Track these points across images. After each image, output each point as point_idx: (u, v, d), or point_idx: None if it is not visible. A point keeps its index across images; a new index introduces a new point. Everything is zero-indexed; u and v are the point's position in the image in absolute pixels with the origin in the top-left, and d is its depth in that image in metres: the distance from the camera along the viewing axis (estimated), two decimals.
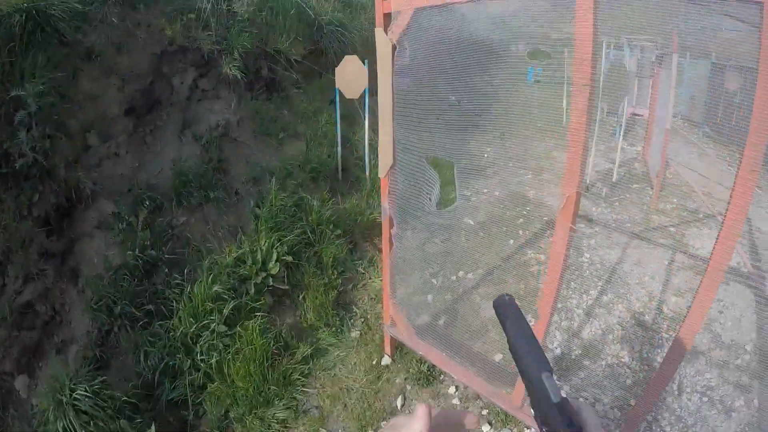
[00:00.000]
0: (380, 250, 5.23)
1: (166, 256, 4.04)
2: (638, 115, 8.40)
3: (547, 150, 7.93)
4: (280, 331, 4.00)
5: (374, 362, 3.99)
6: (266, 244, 4.31)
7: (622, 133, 7.48)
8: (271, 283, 4.18)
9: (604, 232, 6.07)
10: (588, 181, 7.14)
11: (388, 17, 2.80)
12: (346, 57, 5.34)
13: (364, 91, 5.42)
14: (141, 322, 3.68)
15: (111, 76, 4.34)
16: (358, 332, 4.29)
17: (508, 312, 0.71)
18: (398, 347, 4.02)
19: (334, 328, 4.27)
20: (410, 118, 3.04)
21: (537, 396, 0.62)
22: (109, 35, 4.30)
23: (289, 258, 4.36)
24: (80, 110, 4.10)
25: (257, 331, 3.79)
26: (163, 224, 4.19)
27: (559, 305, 4.68)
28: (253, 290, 4.04)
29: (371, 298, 4.66)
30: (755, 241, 6.07)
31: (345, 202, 5.41)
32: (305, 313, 4.30)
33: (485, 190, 7.10)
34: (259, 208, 4.72)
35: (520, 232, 6.22)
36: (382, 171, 3.16)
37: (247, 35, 5.22)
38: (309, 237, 4.71)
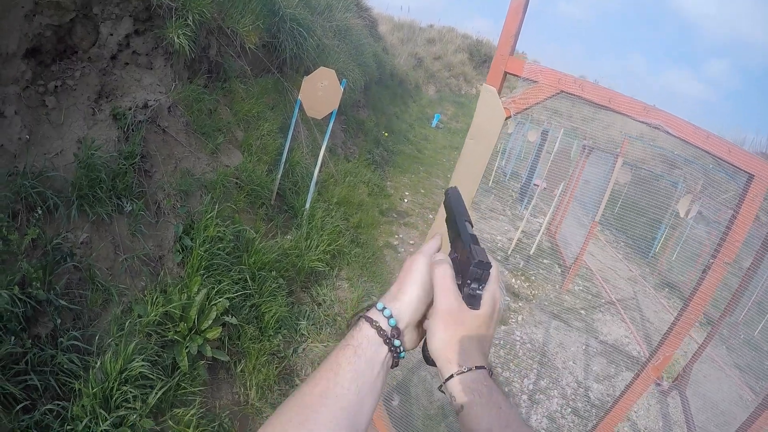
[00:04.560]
0: (318, 304, 4.35)
1: (60, 299, 2.65)
2: (536, 185, 8.76)
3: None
4: (221, 422, 2.88)
5: None
6: (201, 295, 3.16)
7: (531, 205, 7.65)
8: (209, 354, 3.04)
9: (527, 307, 6.03)
10: (509, 252, 7.07)
11: (505, 77, 2.20)
12: (322, 68, 4.34)
13: (332, 113, 4.51)
14: (21, 405, 2.27)
15: None
16: None
17: (453, 194, 0.82)
18: None
19: None
20: None
21: (458, 226, 0.74)
22: None
23: (232, 319, 3.26)
24: None
25: (194, 424, 2.66)
26: (55, 243, 2.78)
27: (506, 388, 4.61)
28: (186, 363, 2.86)
29: (315, 368, 3.72)
30: (647, 331, 6.56)
31: (283, 238, 4.40)
32: (246, 390, 3.22)
33: (411, 242, 6.59)
34: (189, 237, 3.51)
35: None
36: None
37: (209, 1, 4.00)
38: (249, 285, 3.64)
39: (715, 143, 1.92)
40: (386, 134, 9.86)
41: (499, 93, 2.20)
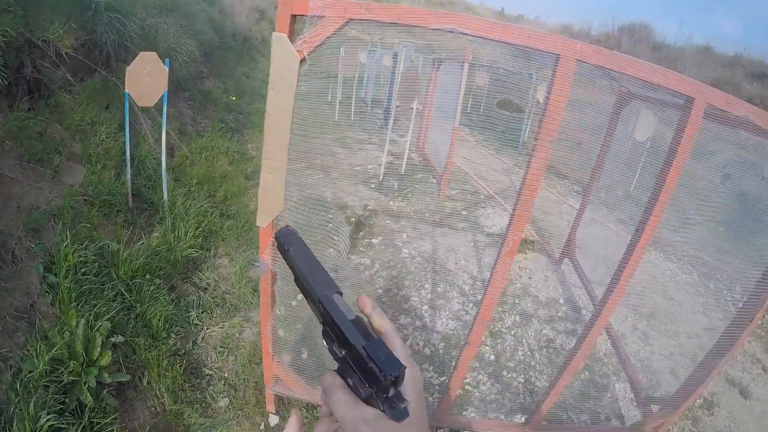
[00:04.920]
0: (204, 289, 4.39)
1: None
2: (397, 107, 9.02)
3: (327, 146, 7.98)
4: None
5: (262, 427, 3.34)
6: (80, 327, 3.13)
7: (391, 125, 7.93)
8: (109, 380, 3.08)
9: (410, 224, 6.38)
10: (381, 177, 7.37)
11: (294, 20, 2.19)
12: (142, 54, 4.15)
13: (163, 96, 4.40)
14: None
15: None
16: (226, 399, 3.50)
17: (291, 241, 0.70)
18: (281, 399, 3.45)
19: (198, 404, 3.38)
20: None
21: (331, 316, 0.61)
22: None
23: (119, 338, 3.29)
24: None
25: None
26: None
27: (405, 306, 4.82)
28: (90, 398, 2.88)
29: (218, 353, 3.84)
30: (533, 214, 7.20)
31: (148, 237, 4.36)
32: (159, 400, 3.31)
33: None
34: (53, 273, 3.42)
35: (335, 237, 6.14)
36: (266, 219, 2.43)
37: (11, 17, 3.65)
38: (126, 298, 3.64)
39: (514, 33, 1.95)
40: (234, 98, 9.63)
41: (290, 37, 2.19)
